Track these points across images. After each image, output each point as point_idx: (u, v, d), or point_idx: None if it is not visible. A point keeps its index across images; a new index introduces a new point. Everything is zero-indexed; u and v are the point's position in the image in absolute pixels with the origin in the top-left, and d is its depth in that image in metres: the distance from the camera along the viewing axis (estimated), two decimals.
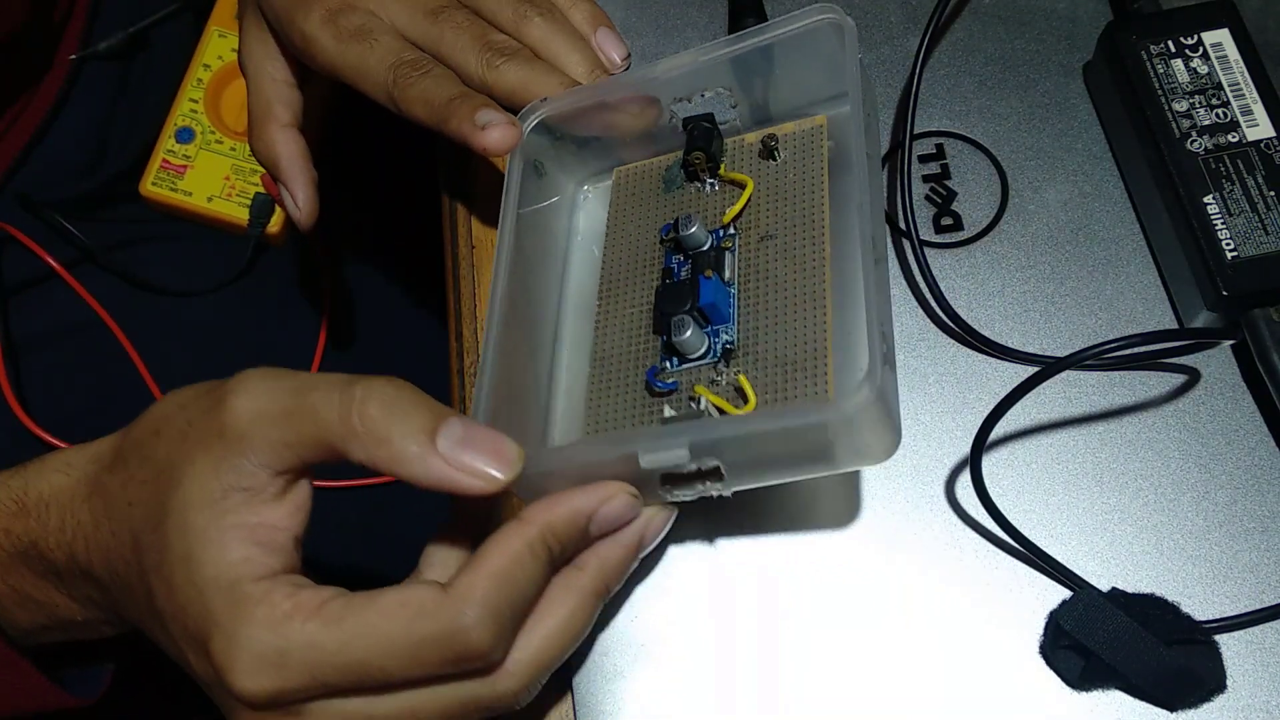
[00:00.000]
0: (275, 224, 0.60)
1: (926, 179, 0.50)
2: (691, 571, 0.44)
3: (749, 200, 0.46)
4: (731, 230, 0.46)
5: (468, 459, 0.35)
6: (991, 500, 0.43)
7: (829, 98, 0.47)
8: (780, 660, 0.43)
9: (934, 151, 0.51)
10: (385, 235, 0.65)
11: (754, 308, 0.44)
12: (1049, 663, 0.43)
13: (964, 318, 0.47)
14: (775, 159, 0.47)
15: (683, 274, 0.46)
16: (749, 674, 0.43)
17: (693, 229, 0.45)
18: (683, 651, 0.43)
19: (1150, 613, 0.42)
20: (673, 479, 0.40)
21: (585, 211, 0.50)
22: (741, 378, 0.42)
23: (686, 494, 0.41)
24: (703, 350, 0.43)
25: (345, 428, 0.35)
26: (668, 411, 0.42)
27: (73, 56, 0.60)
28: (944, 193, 0.50)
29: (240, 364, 0.59)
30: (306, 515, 0.37)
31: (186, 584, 0.35)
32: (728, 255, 0.45)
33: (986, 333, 0.47)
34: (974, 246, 0.49)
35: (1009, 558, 0.44)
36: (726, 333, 0.44)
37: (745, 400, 0.41)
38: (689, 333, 0.43)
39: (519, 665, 0.36)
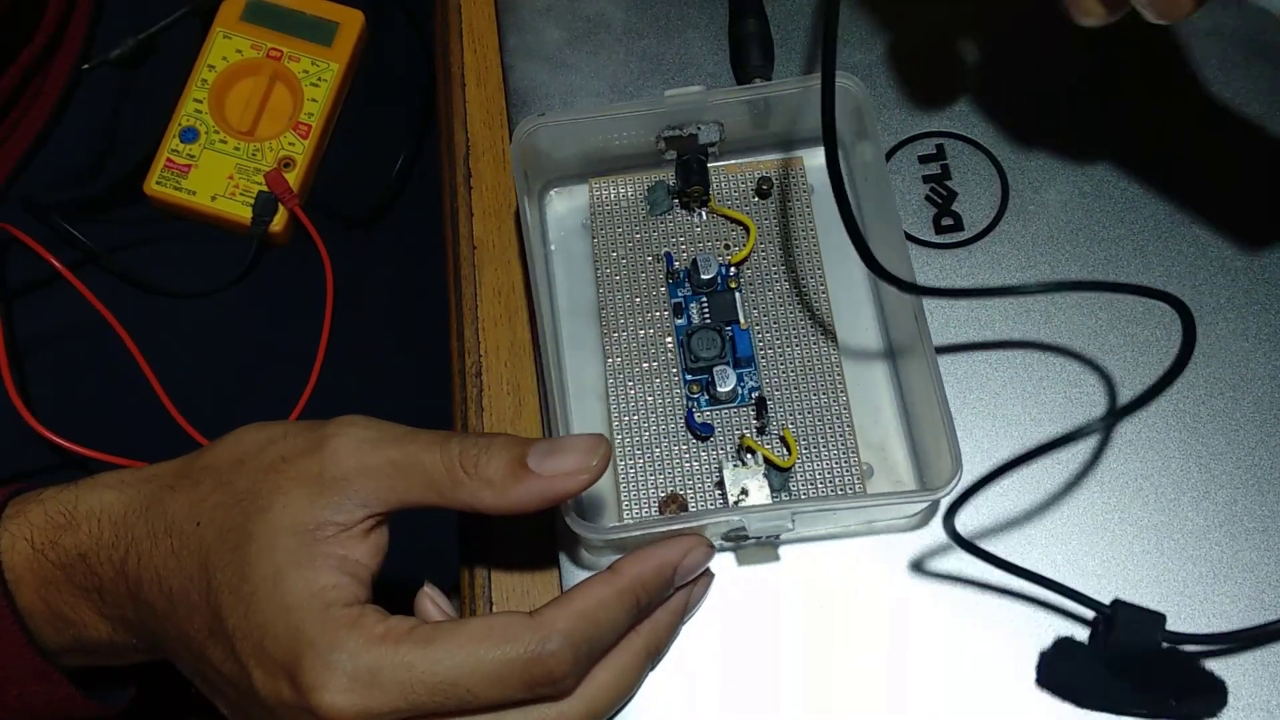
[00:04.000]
0: (278, 223, 0.61)
1: (927, 179, 0.50)
2: None
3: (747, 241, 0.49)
4: (734, 270, 0.48)
5: (556, 463, 0.38)
6: (968, 542, 0.42)
7: (808, 140, 0.50)
8: (779, 663, 0.43)
9: (934, 152, 0.51)
10: (388, 234, 0.65)
11: (769, 353, 0.47)
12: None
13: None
14: (768, 198, 0.49)
15: (692, 310, 0.48)
16: (749, 676, 0.43)
17: (711, 273, 0.47)
18: (683, 652, 0.43)
19: (1145, 659, 0.42)
20: (738, 533, 0.43)
21: (552, 211, 0.50)
22: (786, 432, 0.45)
23: (745, 543, 0.44)
24: (735, 395, 0.46)
25: (453, 477, 0.38)
26: (728, 471, 0.44)
27: (85, 66, 0.61)
28: (944, 193, 0.50)
29: (244, 363, 0.60)
30: (384, 557, 0.39)
31: (272, 603, 0.36)
32: (737, 296, 0.47)
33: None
34: (974, 246, 0.49)
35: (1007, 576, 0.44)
36: (751, 379, 0.46)
37: (788, 452, 0.45)
38: (732, 384, 0.45)
39: (581, 700, 0.38)
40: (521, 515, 0.39)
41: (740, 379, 0.46)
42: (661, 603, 0.41)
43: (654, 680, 0.43)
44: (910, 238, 0.49)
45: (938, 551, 0.44)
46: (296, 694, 0.36)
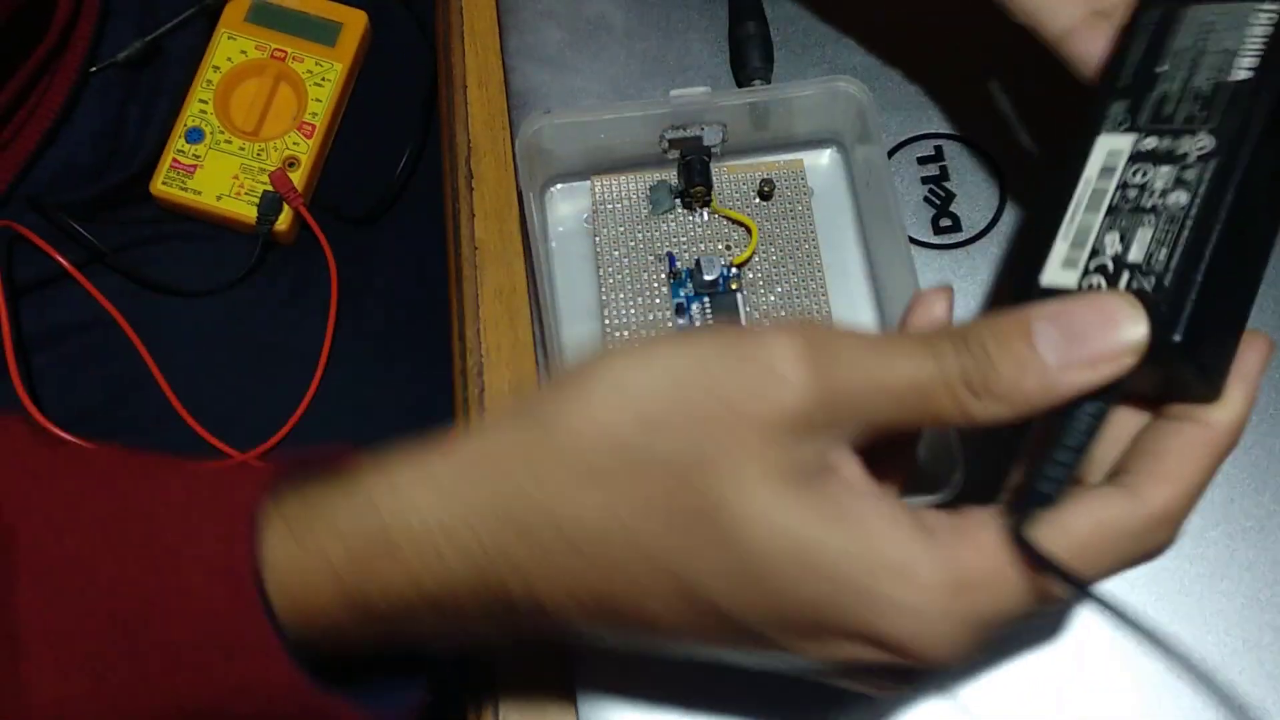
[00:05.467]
0: (283, 222, 0.61)
1: (925, 181, 0.51)
2: None
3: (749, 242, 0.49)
4: (735, 271, 0.48)
5: (1081, 350, 0.30)
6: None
7: (809, 142, 0.51)
8: None
9: (932, 153, 0.51)
10: (392, 233, 0.65)
11: None
12: None
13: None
14: (769, 200, 0.50)
15: (694, 310, 0.48)
16: (750, 674, 0.43)
17: (714, 274, 0.48)
18: None
19: None
20: None
21: (554, 210, 0.51)
22: None
23: None
24: None
25: (957, 400, 0.30)
26: None
27: (93, 69, 0.61)
28: (942, 194, 0.51)
29: (249, 360, 0.60)
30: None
31: (803, 574, 0.29)
32: (739, 297, 0.48)
33: None
34: (972, 247, 0.50)
35: None
36: None
37: None
38: None
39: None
40: None
41: None
42: None
43: (649, 680, 0.43)
44: (909, 239, 0.49)
45: None
46: (885, 654, 0.30)
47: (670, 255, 0.49)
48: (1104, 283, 0.32)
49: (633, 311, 0.48)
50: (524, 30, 0.54)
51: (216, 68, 0.63)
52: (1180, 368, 0.32)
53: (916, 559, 0.30)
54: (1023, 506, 0.31)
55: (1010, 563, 0.31)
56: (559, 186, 0.51)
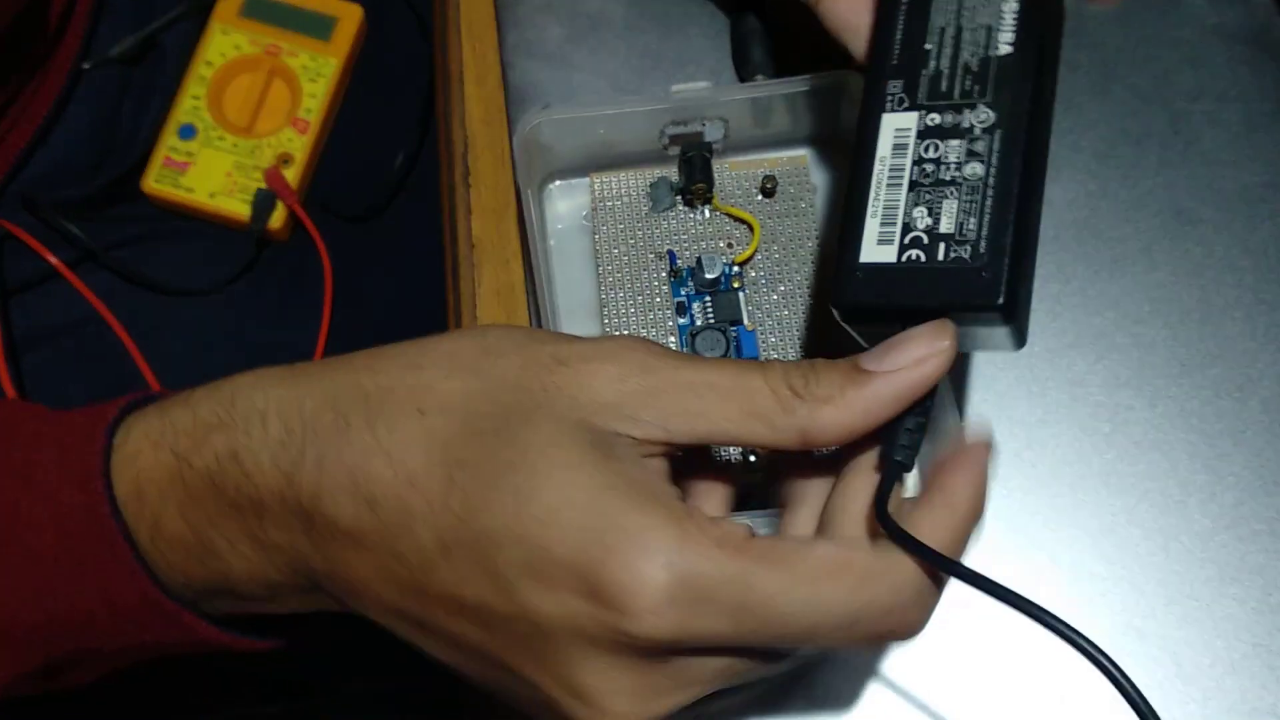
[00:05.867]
0: (277, 220, 0.60)
1: None
2: None
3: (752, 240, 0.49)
4: (737, 269, 0.48)
5: (899, 356, 0.32)
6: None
7: (812, 138, 0.50)
8: None
9: None
10: (388, 231, 0.65)
11: (772, 354, 0.47)
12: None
13: None
14: (772, 197, 0.49)
15: (695, 309, 0.47)
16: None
17: (716, 273, 0.47)
18: None
19: None
20: None
21: (552, 208, 0.50)
22: None
23: None
24: None
25: (782, 401, 0.31)
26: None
27: (86, 65, 0.60)
28: None
29: (242, 360, 0.59)
30: None
31: (559, 493, 0.29)
32: (741, 296, 0.47)
33: None
34: None
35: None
36: None
37: None
38: None
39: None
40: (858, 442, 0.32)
41: None
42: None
43: None
44: None
45: None
46: (595, 606, 0.28)
47: (671, 253, 0.48)
48: (922, 255, 0.34)
49: (633, 311, 0.48)
50: (522, 25, 0.54)
51: (209, 63, 0.62)
52: (1000, 325, 0.34)
53: (668, 521, 0.29)
54: (883, 482, 0.32)
55: (738, 552, 0.29)
56: (558, 183, 0.50)
